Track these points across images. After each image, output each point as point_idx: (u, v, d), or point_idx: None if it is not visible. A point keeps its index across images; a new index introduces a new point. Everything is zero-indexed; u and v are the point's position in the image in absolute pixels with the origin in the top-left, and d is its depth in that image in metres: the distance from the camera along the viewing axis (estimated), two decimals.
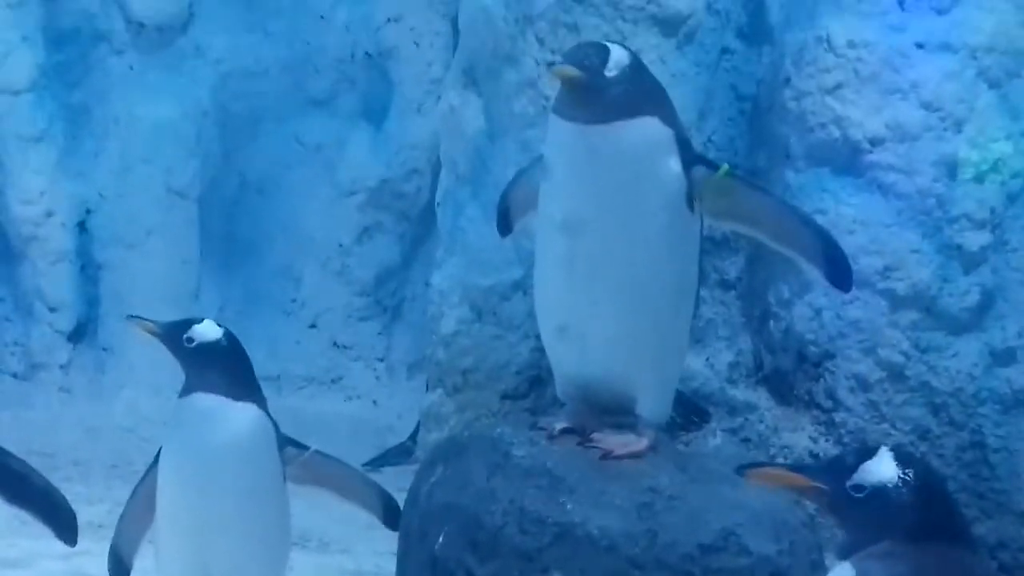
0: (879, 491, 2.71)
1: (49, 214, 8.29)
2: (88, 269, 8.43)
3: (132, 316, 4.90)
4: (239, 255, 8.52)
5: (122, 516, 4.78)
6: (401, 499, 4.63)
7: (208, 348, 4.61)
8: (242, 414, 4.57)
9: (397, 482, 4.80)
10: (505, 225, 4.56)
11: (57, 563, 4.84)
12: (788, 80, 5.40)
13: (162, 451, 4.65)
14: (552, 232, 4.11)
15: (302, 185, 8.44)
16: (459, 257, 5.45)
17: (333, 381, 8.36)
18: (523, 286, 5.04)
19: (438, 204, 5.90)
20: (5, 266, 8.38)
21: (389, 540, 4.73)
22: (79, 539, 4.47)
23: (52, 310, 8.34)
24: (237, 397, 4.57)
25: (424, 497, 4.07)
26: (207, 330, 4.63)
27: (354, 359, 8.40)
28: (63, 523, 4.39)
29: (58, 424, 7.82)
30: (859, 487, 2.71)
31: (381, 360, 8.36)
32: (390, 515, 4.67)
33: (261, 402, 4.64)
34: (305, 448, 4.69)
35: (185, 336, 4.60)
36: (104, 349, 8.34)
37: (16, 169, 8.27)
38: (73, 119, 8.41)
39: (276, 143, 8.50)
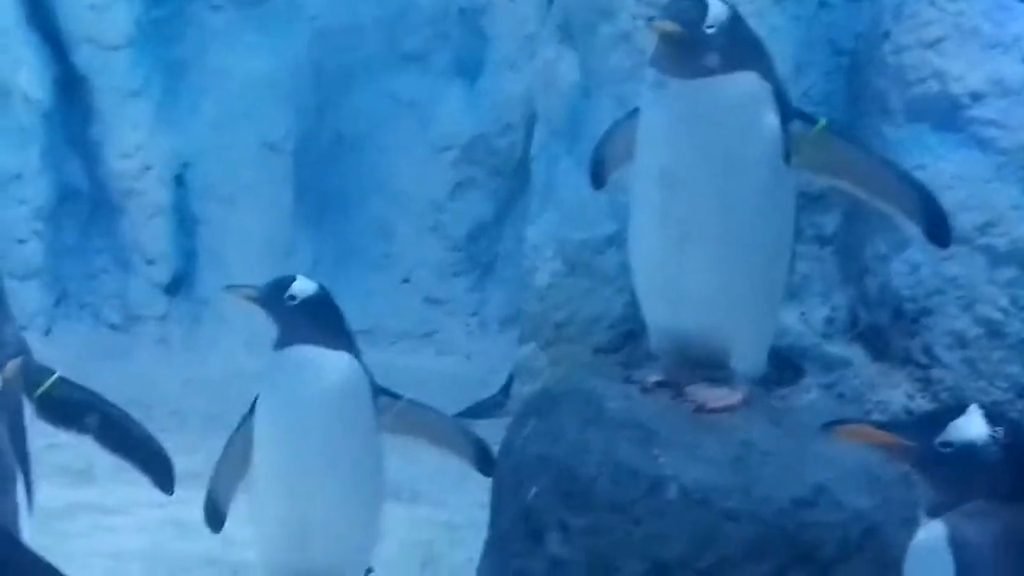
0: (968, 449, 2.68)
1: (147, 168, 8.38)
2: (185, 223, 8.50)
3: (228, 286, 4.96)
4: (333, 210, 8.57)
5: (218, 465, 4.85)
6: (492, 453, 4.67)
7: (308, 303, 4.67)
8: (336, 363, 4.63)
9: (488, 436, 4.81)
10: (599, 178, 4.55)
11: (154, 511, 4.92)
12: (887, 34, 5.34)
13: (257, 401, 4.71)
14: (648, 186, 4.10)
15: (396, 141, 8.46)
16: (553, 211, 5.44)
17: (426, 336, 8.39)
18: (617, 240, 5.02)
19: (532, 159, 5.89)
20: (104, 220, 8.48)
21: (481, 492, 4.75)
22: (176, 488, 4.53)
23: (149, 263, 8.43)
24: (330, 347, 4.63)
25: (517, 449, 4.09)
26: (304, 286, 4.68)
27: (447, 314, 8.41)
28: (161, 472, 4.45)
29: (155, 375, 7.91)
30: (947, 444, 2.68)
31: (474, 315, 8.37)
32: (484, 463, 4.70)
33: (355, 352, 4.69)
34: (399, 397, 4.73)
35: (286, 295, 4.65)
36: (200, 302, 8.41)
37: (114, 124, 8.37)
38: (170, 74, 8.48)
39: (370, 99, 8.52)
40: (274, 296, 4.68)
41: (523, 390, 4.42)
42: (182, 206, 8.48)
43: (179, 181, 8.48)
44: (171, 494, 4.48)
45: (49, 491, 4.51)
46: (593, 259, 5.08)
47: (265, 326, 4.83)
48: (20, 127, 8.30)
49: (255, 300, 4.73)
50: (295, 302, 4.64)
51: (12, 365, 3.47)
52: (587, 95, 5.44)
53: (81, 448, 4.48)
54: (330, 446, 4.62)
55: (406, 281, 8.46)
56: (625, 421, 3.96)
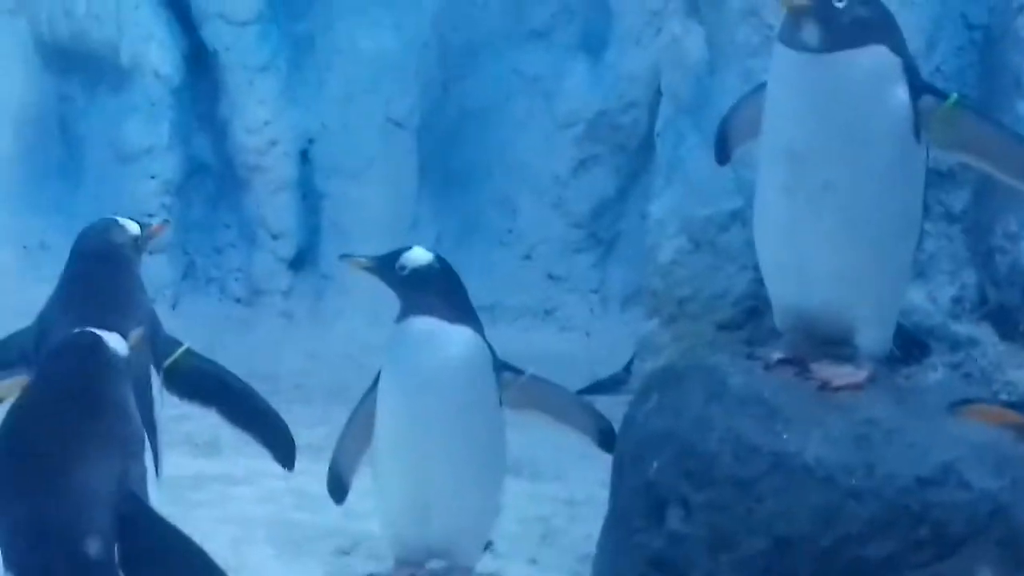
0: None
1: (273, 143, 8.46)
2: (309, 198, 8.58)
3: (344, 255, 5.01)
4: (456, 186, 8.59)
5: (341, 438, 4.89)
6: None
7: (420, 273, 4.68)
8: (457, 336, 4.65)
9: (608, 414, 4.81)
10: (724, 153, 4.53)
11: (279, 481, 4.97)
12: (1022, 8, 5.24)
13: (380, 375, 4.75)
14: (775, 162, 4.07)
15: (520, 116, 8.46)
16: (678, 187, 5.40)
17: (547, 313, 8.39)
18: (742, 216, 4.98)
19: (658, 134, 5.85)
20: (230, 194, 8.59)
21: (602, 469, 4.75)
22: (299, 459, 4.58)
23: (275, 237, 8.52)
24: (452, 320, 4.64)
25: (639, 424, 4.09)
26: (417, 256, 4.71)
27: (568, 291, 8.40)
28: (283, 448, 4.49)
29: (280, 348, 7.99)
30: None
31: (595, 292, 8.35)
32: (605, 438, 4.70)
33: (476, 326, 4.70)
34: (521, 372, 4.74)
35: (397, 264, 4.68)
36: (324, 276, 8.48)
37: (241, 99, 8.46)
38: (297, 50, 8.55)
39: (495, 74, 8.52)
40: (388, 266, 4.72)
41: (645, 366, 4.40)
42: (307, 181, 8.56)
43: (304, 156, 8.55)
44: (292, 470, 4.52)
45: (176, 461, 4.57)
46: (717, 235, 5.04)
47: (388, 300, 4.88)
48: (150, 102, 8.43)
49: (370, 269, 4.77)
50: (404, 272, 4.67)
51: (136, 333, 3.52)
52: (714, 71, 5.40)
53: (207, 419, 4.54)
54: (451, 420, 4.64)
55: (528, 257, 8.46)
56: (748, 397, 3.94)
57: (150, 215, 7.68)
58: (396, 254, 4.75)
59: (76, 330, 3.45)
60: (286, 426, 4.50)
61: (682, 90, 5.61)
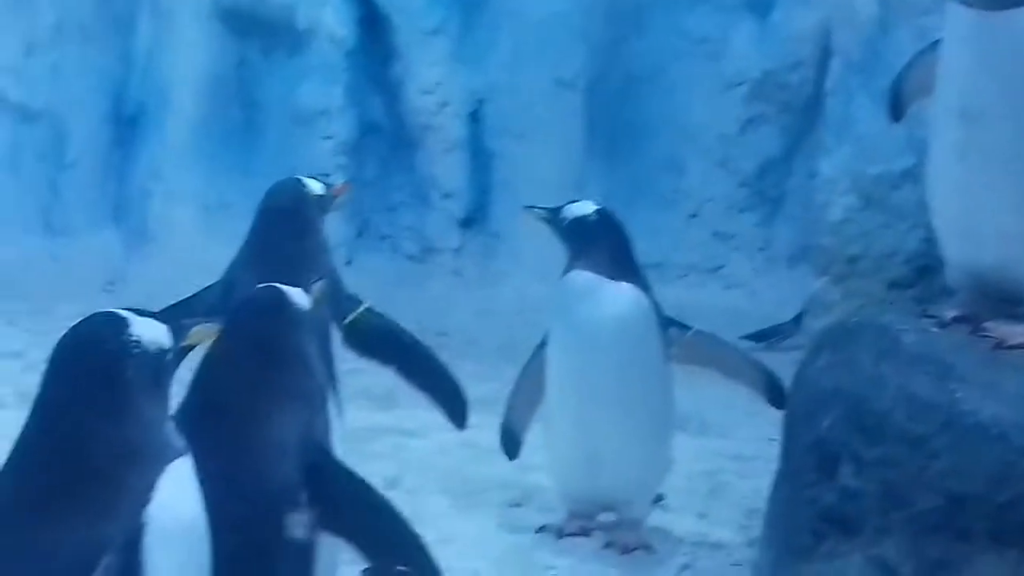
0: None
1: (444, 104, 8.52)
2: (479, 157, 8.62)
3: (527, 207, 5.02)
4: (623, 146, 8.57)
5: (512, 393, 4.92)
6: None
7: (582, 223, 4.69)
8: (619, 292, 4.64)
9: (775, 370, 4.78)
10: (897, 111, 4.44)
11: (452, 434, 5.00)
12: None
13: (549, 332, 4.77)
14: (948, 120, 3.98)
15: (686, 77, 8.42)
16: (848, 145, 5.33)
17: (713, 270, 8.36)
18: (913, 175, 4.88)
19: (828, 93, 5.78)
20: (402, 154, 8.66)
21: (768, 425, 4.72)
22: (471, 414, 4.62)
23: (446, 196, 8.58)
24: (613, 276, 4.63)
25: (811, 381, 4.04)
26: (581, 207, 4.71)
27: (734, 248, 8.36)
28: (455, 407, 4.53)
29: (451, 305, 8.06)
30: None
31: (761, 250, 8.29)
32: (774, 394, 4.67)
33: (641, 282, 4.68)
34: (688, 328, 4.72)
35: (560, 215, 4.70)
36: (494, 235, 8.53)
37: (414, 61, 8.53)
38: (467, 13, 8.59)
39: (661, 36, 8.48)
40: (555, 216, 4.74)
41: (815, 324, 4.35)
42: (477, 141, 8.61)
43: (474, 117, 8.60)
44: (463, 428, 4.55)
45: (354, 414, 4.63)
46: (889, 193, 4.97)
47: (556, 260, 4.89)
48: (325, 65, 8.54)
49: (543, 219, 4.79)
50: (566, 221, 4.68)
51: (319, 286, 3.57)
52: (885, 29, 5.29)
53: (383, 374, 4.59)
54: (618, 376, 4.64)
55: (694, 216, 8.43)
56: (921, 355, 3.86)
57: (326, 175, 7.78)
58: (565, 206, 4.78)
59: (261, 285, 3.51)
60: (459, 385, 4.54)
61: (853, 49, 5.52)
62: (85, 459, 2.57)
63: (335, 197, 4.63)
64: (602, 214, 4.74)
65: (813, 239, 5.97)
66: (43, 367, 2.69)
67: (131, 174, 8.98)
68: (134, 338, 2.70)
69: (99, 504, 2.53)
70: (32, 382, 2.71)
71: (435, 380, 4.53)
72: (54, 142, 9.05)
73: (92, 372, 2.66)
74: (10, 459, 2.62)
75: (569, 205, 4.80)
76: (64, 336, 2.71)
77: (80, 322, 2.73)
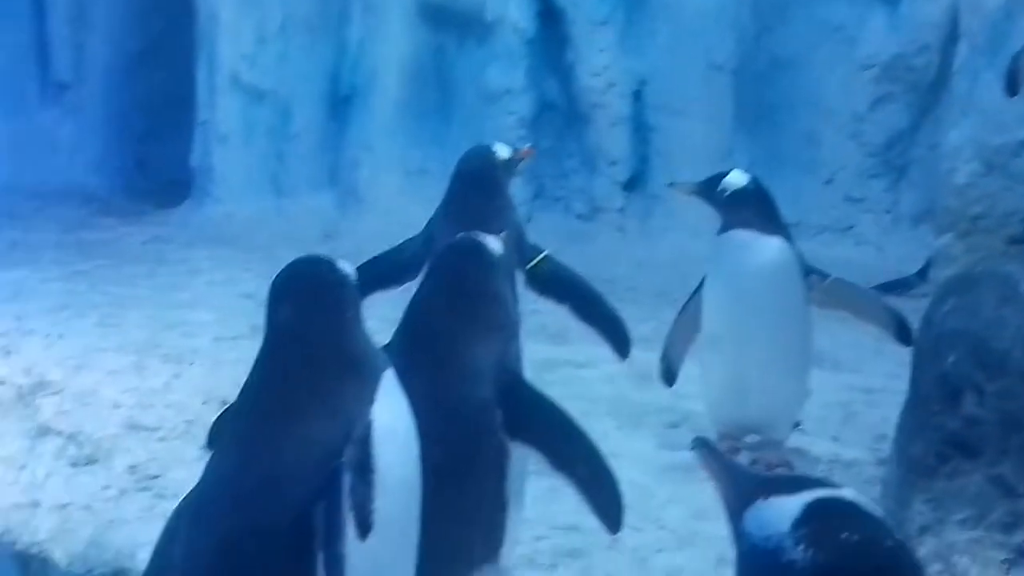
0: None
1: (611, 85, 8.53)
2: (640, 131, 8.63)
3: (671, 183, 5.00)
4: (766, 121, 8.51)
5: (671, 332, 4.91)
6: None
7: (740, 193, 4.64)
8: (771, 244, 4.60)
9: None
10: (1013, 87, 4.33)
11: (617, 366, 5.00)
12: None
13: (705, 279, 4.74)
14: None
15: (824, 61, 8.33)
16: (973, 118, 5.19)
17: (845, 230, 8.28)
18: None
19: (955, 72, 5.64)
20: (574, 128, 8.70)
21: (894, 363, 4.66)
22: (633, 349, 4.61)
23: (611, 164, 8.61)
24: (766, 232, 4.59)
25: (937, 323, 3.96)
26: (737, 178, 4.66)
27: (864, 211, 8.28)
28: (621, 341, 4.51)
29: (614, 257, 8.06)
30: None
31: (887, 212, 8.19)
32: (902, 333, 4.59)
33: (787, 236, 4.64)
34: (827, 276, 4.66)
35: (720, 187, 4.65)
36: (652, 197, 8.53)
37: (585, 48, 8.55)
38: (632, 6, 8.59)
39: (803, 25, 8.40)
40: (711, 188, 4.70)
41: (940, 274, 4.27)
42: (639, 117, 8.62)
43: (637, 96, 8.61)
44: (626, 358, 4.54)
45: (532, 348, 4.65)
46: (1009, 160, 4.84)
47: (707, 218, 4.85)
48: (509, 52, 8.59)
49: (694, 192, 4.75)
50: (727, 193, 4.64)
51: (505, 234, 3.59)
52: (1009, 16, 5.15)
53: (558, 313, 4.60)
54: (767, 317, 4.60)
55: (829, 182, 8.36)
56: None
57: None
58: (718, 178, 4.73)
59: (461, 234, 3.54)
60: (623, 323, 4.52)
61: (979, 33, 5.37)
62: (320, 368, 2.61)
63: (520, 160, 4.63)
64: (755, 182, 4.70)
65: (935, 202, 5.84)
66: None
67: (344, 145, 9.12)
68: (343, 271, 2.76)
69: (335, 405, 2.57)
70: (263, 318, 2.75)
71: (602, 318, 4.53)
72: (280, 118, 9.23)
73: (319, 298, 2.70)
74: (253, 374, 2.67)
75: (723, 178, 4.75)
76: (290, 272, 2.74)
77: (297, 261, 2.77)
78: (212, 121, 9.28)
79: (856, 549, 1.57)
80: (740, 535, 1.64)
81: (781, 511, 1.59)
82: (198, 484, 2.67)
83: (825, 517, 1.58)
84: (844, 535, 1.56)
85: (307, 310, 2.68)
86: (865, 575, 1.56)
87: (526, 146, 4.85)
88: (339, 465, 2.49)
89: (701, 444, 1.94)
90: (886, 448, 4.39)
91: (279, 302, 2.70)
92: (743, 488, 1.71)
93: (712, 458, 1.88)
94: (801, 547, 1.56)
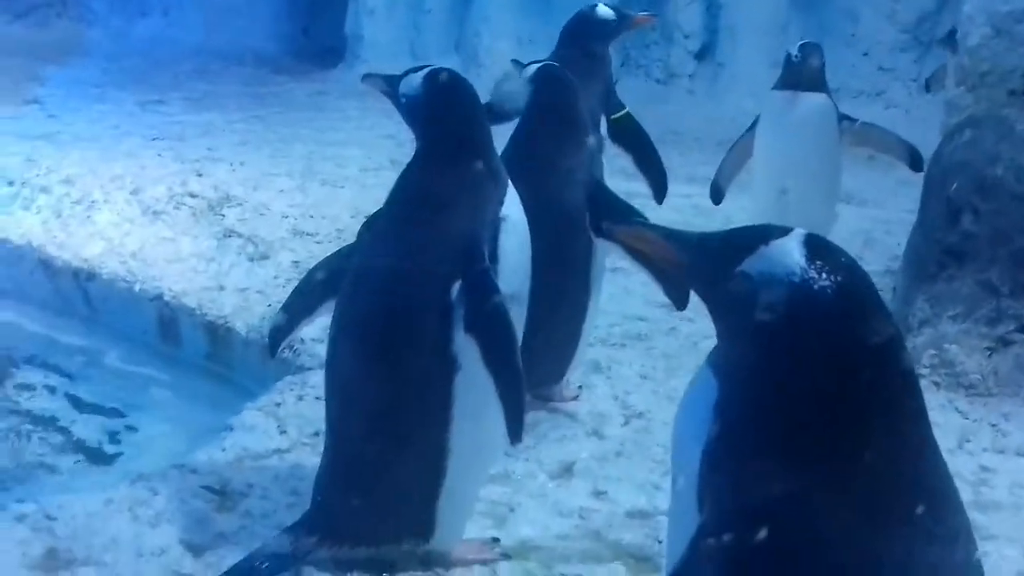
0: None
1: None
2: (711, 8, 8.45)
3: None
4: (816, 1, 8.30)
5: (725, 159, 4.89)
6: None
7: (792, 59, 4.61)
8: (814, 97, 4.57)
9: None
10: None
11: (682, 200, 4.99)
12: None
13: (759, 121, 4.72)
14: None
15: None
16: None
17: (877, 95, 8.08)
18: None
19: None
20: (655, 5, 8.49)
21: (909, 199, 4.59)
22: (692, 187, 4.58)
23: (685, 36, 8.45)
24: (810, 88, 4.56)
25: (946, 156, 3.92)
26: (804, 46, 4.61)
27: (894, 79, 8.07)
28: (660, 190, 4.32)
29: (686, 115, 7.97)
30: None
31: (914, 80, 7.97)
32: (916, 162, 4.57)
33: (827, 91, 4.62)
34: (855, 120, 4.64)
35: (792, 55, 4.60)
36: (719, 64, 8.39)
37: None
38: None
39: None
40: (788, 63, 4.63)
41: (951, 121, 4.19)
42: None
43: None
44: (661, 203, 4.33)
45: (614, 182, 4.67)
46: (1014, 26, 4.68)
47: (765, 78, 4.79)
48: None
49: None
50: (794, 57, 4.60)
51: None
52: None
53: (627, 160, 4.53)
54: (807, 152, 4.59)
55: (866, 54, 8.13)
56: None
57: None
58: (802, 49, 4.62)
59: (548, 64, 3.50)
60: (666, 178, 4.29)
61: None
62: (465, 168, 2.55)
63: (635, 23, 4.45)
64: (803, 49, 4.63)
65: (956, 60, 5.63)
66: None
67: (468, 18, 9.05)
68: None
69: (475, 202, 2.54)
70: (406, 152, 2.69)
71: (655, 171, 4.37)
72: None
73: (467, 106, 2.60)
74: (405, 174, 2.61)
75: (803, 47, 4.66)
76: (440, 82, 2.61)
77: (438, 71, 2.65)
78: None
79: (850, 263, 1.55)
80: (742, 280, 1.51)
81: (787, 248, 1.52)
82: (331, 259, 2.68)
83: (824, 246, 1.57)
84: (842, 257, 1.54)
85: (456, 116, 2.59)
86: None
87: (645, 13, 4.71)
88: (478, 249, 2.47)
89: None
90: (897, 263, 4.38)
91: (432, 108, 2.59)
92: (716, 244, 1.59)
93: (641, 231, 1.70)
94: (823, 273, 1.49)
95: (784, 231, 1.56)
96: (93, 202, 5.46)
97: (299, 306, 2.73)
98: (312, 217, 5.34)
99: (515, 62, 3.81)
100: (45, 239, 5.17)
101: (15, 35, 9.60)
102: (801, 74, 4.59)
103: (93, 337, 4.74)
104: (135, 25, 10.18)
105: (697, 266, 1.59)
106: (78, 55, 9.22)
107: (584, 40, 4.32)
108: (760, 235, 1.56)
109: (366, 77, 2.81)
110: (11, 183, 5.66)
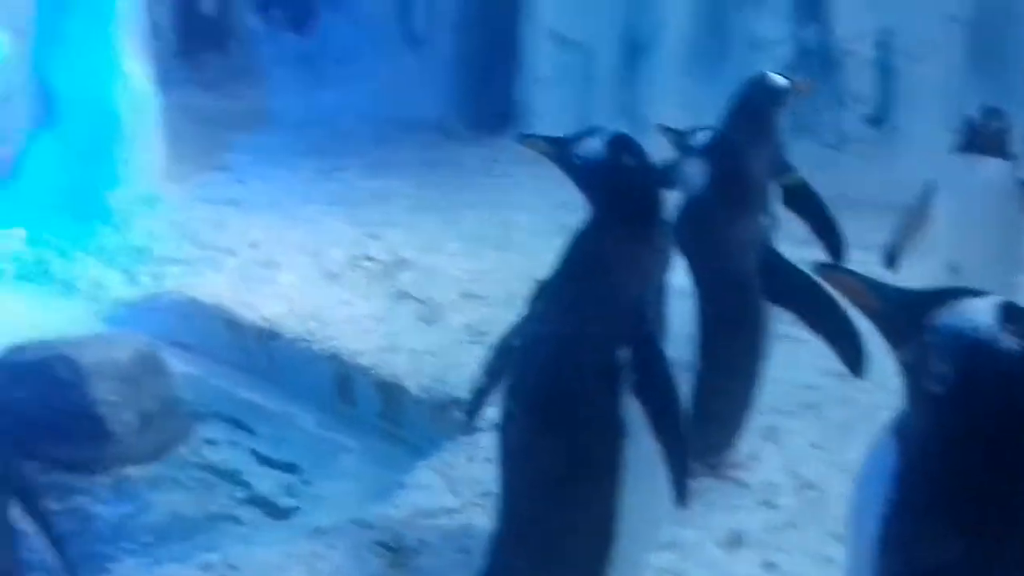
0: None
1: (860, 35, 8.27)
2: (885, 74, 8.35)
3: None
4: (996, 65, 8.07)
5: (899, 225, 4.77)
6: None
7: (972, 124, 4.53)
8: (995, 164, 4.51)
9: None
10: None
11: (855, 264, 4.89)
12: None
13: (934, 182, 4.62)
14: None
15: None
16: None
17: None
18: None
19: None
20: (827, 70, 8.46)
21: None
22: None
23: (858, 101, 8.38)
24: (993, 154, 4.48)
25: None
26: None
27: None
28: (838, 253, 4.24)
29: (856, 180, 7.73)
30: None
31: None
32: None
33: (1011, 158, 4.52)
34: None
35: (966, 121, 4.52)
36: (893, 128, 8.29)
37: (838, 4, 8.29)
38: None
39: None
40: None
41: None
42: (883, 61, 8.32)
43: (882, 44, 8.29)
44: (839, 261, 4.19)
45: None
46: None
47: (941, 148, 4.72)
48: (776, 7, 8.44)
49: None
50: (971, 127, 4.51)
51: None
52: None
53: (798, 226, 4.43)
54: (986, 219, 4.49)
55: None
56: None
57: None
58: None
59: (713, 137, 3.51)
60: (846, 244, 4.25)
61: None
62: (633, 235, 2.58)
63: (797, 91, 4.43)
64: (984, 113, 4.55)
65: None
66: None
67: (635, 83, 9.12)
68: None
69: (646, 269, 2.56)
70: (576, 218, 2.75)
71: (833, 236, 4.29)
72: (585, 63, 9.29)
73: (641, 175, 2.65)
74: (575, 242, 2.63)
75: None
76: (609, 148, 2.64)
77: (620, 137, 2.69)
78: (531, 65, 9.43)
79: None
80: (930, 332, 1.52)
81: (979, 308, 1.53)
82: (523, 325, 2.73)
83: (1020, 311, 1.54)
84: None
85: (634, 183, 2.62)
86: None
87: (804, 81, 4.70)
88: (646, 316, 2.50)
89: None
90: None
91: (610, 173, 2.62)
92: (911, 295, 1.60)
93: (853, 280, 1.71)
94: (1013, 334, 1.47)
95: (980, 293, 1.57)
96: (276, 264, 5.71)
97: (498, 371, 2.77)
98: (482, 281, 5.45)
99: (668, 129, 3.85)
100: (231, 299, 5.42)
101: (206, 105, 10.13)
102: (982, 138, 4.49)
103: (273, 393, 4.93)
104: (317, 95, 10.63)
105: (890, 315, 1.60)
106: (264, 124, 9.67)
107: (755, 107, 4.30)
108: (955, 293, 1.57)
109: (526, 138, 2.86)
110: (202, 246, 5.96)
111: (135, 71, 6.42)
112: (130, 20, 6.37)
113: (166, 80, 7.10)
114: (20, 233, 6.15)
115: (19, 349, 4.42)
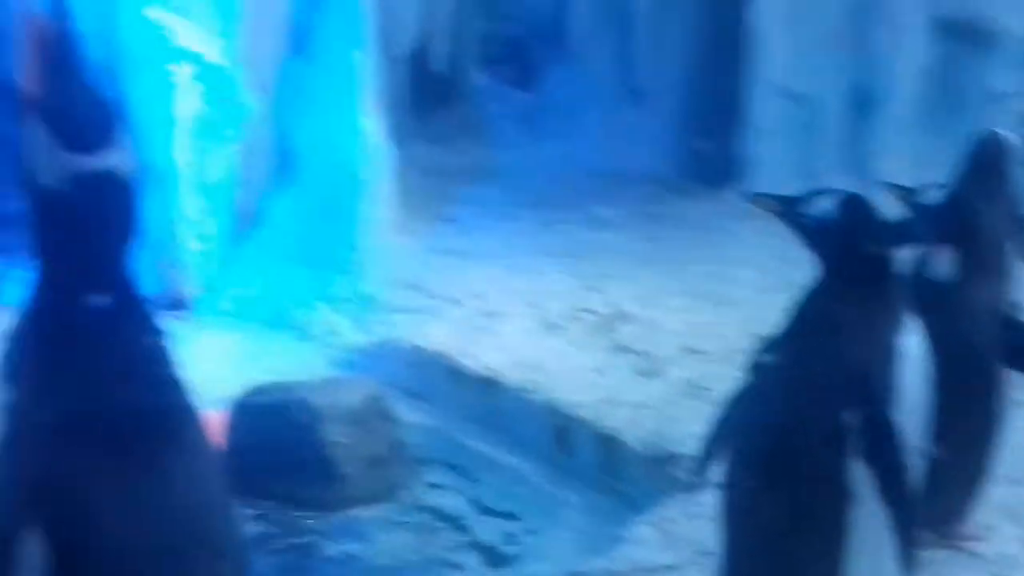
0: None
1: None
2: None
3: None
4: None
5: None
6: None
7: None
8: None
9: None
10: None
11: None
12: None
13: None
14: None
15: None
16: None
17: None
18: None
19: None
20: None
21: None
22: None
23: None
24: None
25: None
26: None
27: None
28: None
29: None
30: None
31: None
32: None
33: None
34: None
35: None
36: None
37: None
38: None
39: None
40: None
41: None
42: None
43: None
44: None
45: None
46: None
47: None
48: (1010, 59, 8.09)
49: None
50: None
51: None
52: None
53: None
54: None
55: None
56: None
57: None
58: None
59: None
60: None
61: None
62: (861, 295, 2.55)
63: None
64: None
65: None
66: None
67: (862, 137, 8.92)
68: None
69: (878, 331, 2.52)
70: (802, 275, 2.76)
71: None
72: (811, 117, 9.16)
73: (876, 234, 2.62)
74: (803, 302, 2.62)
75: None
76: (843, 208, 2.63)
77: (851, 199, 2.67)
78: (754, 118, 9.36)
79: None
80: None
81: None
82: (748, 383, 2.72)
83: None
84: None
85: (867, 244, 2.59)
86: None
87: None
88: (876, 380, 2.46)
89: None
90: None
91: (844, 234, 2.60)
92: None
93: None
94: None
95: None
96: (498, 314, 5.85)
97: (725, 431, 2.76)
98: (704, 336, 5.43)
99: (896, 185, 3.75)
100: (455, 348, 5.58)
101: (432, 158, 10.48)
102: None
103: (494, 441, 5.03)
104: (540, 148, 10.85)
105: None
106: (488, 176, 9.93)
107: (987, 165, 4.16)
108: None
109: (756, 197, 2.86)
110: (429, 295, 6.17)
111: (372, 127, 6.72)
112: (369, 78, 6.68)
113: (398, 135, 7.41)
114: (260, 282, 6.50)
115: (258, 391, 4.66)
